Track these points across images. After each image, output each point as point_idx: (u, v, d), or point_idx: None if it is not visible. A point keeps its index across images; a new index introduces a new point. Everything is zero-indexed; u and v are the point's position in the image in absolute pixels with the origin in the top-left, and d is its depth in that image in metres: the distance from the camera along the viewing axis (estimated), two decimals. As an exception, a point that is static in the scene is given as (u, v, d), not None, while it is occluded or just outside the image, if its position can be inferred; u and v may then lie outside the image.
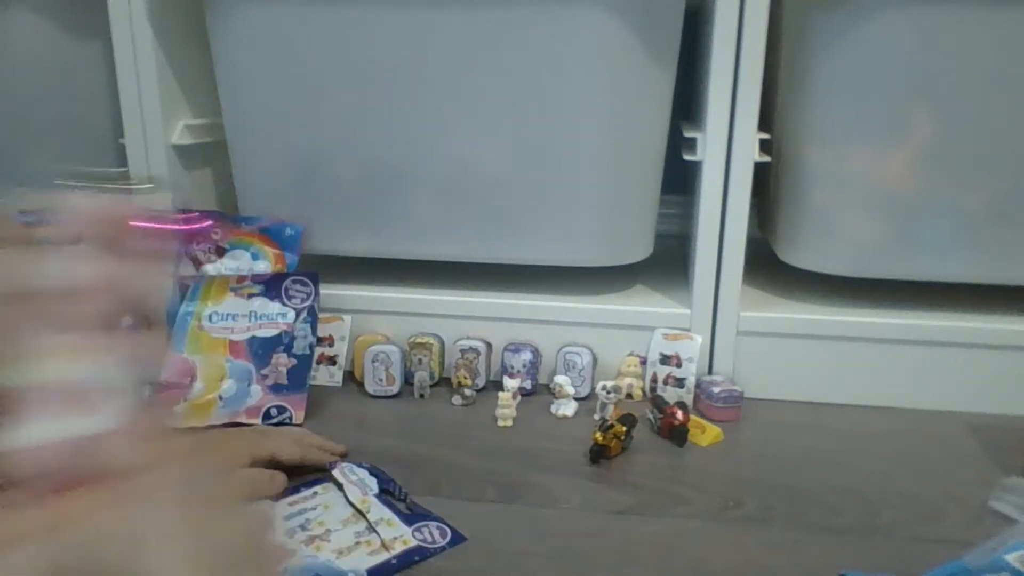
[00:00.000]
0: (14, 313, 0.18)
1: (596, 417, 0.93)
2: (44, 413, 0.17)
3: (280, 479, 0.76)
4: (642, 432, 0.91)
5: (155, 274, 0.18)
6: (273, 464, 0.78)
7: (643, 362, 1.02)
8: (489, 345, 1.03)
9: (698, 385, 0.99)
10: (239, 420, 0.91)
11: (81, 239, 0.18)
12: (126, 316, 0.18)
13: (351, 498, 0.76)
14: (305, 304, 0.98)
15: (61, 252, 0.17)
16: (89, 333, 0.17)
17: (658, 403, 0.92)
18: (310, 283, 0.99)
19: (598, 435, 0.85)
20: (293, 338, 0.97)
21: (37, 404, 0.17)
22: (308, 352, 0.97)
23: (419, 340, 1.02)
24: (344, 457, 0.84)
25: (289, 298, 0.98)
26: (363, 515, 0.73)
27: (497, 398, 0.95)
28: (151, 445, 0.18)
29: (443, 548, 0.69)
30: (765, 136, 0.95)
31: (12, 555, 0.16)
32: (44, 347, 0.17)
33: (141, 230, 0.18)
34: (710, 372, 1.02)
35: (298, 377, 0.95)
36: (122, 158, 1.10)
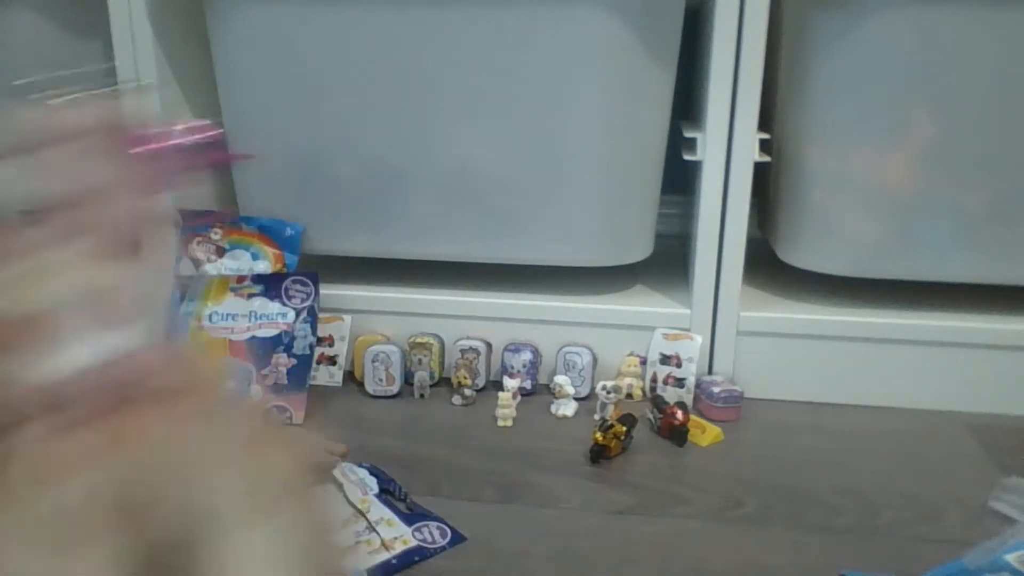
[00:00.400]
0: (26, 229, 0.17)
1: (596, 417, 0.93)
2: (80, 332, 0.16)
3: (343, 448, 0.78)
4: (642, 432, 0.91)
5: (159, 181, 0.18)
6: None
7: (643, 362, 1.02)
8: (489, 345, 1.03)
9: (698, 385, 0.99)
10: (239, 420, 0.91)
11: (80, 148, 0.17)
12: (135, 223, 0.17)
13: (351, 498, 0.76)
14: (305, 304, 0.98)
15: (60, 162, 0.17)
16: (105, 240, 0.17)
17: (658, 403, 0.92)
18: (310, 283, 0.99)
19: (598, 435, 0.85)
20: (293, 338, 0.97)
21: (71, 323, 0.16)
22: (308, 352, 0.97)
23: (419, 340, 1.02)
24: (345, 457, 0.84)
25: (289, 298, 0.98)
26: (363, 515, 0.73)
27: (497, 398, 0.95)
28: (195, 365, 0.18)
29: (443, 548, 0.69)
30: (765, 136, 0.95)
31: (68, 481, 0.16)
32: (64, 260, 0.17)
33: (142, 136, 0.18)
34: (710, 372, 1.02)
35: (298, 377, 0.95)
36: (122, 158, 1.10)
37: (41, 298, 0.16)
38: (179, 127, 0.18)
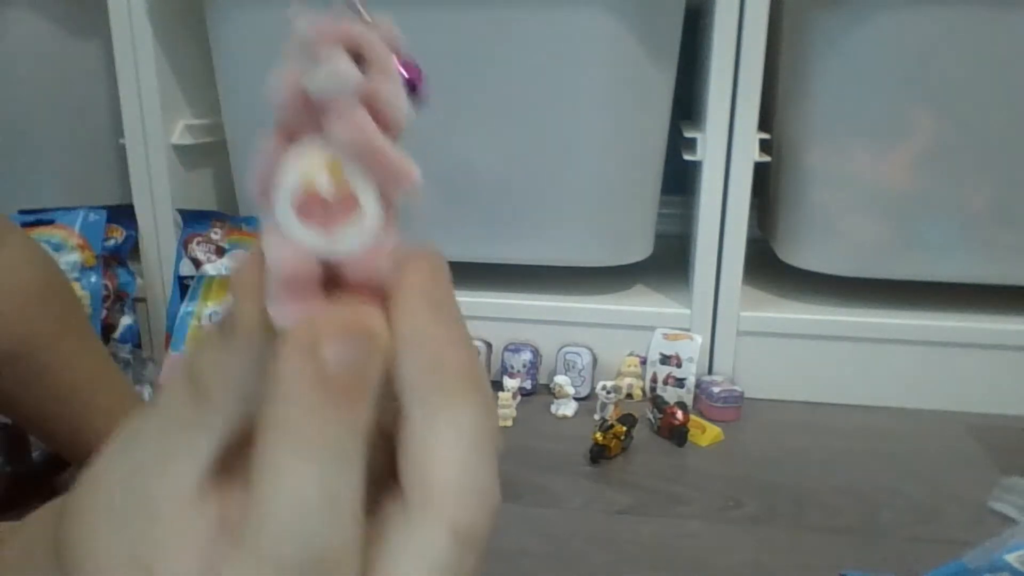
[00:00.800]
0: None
1: (596, 417, 0.93)
2: (370, 214, 0.18)
3: None
4: (642, 432, 0.91)
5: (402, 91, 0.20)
6: None
7: (643, 362, 1.02)
8: (489, 345, 1.03)
9: (698, 385, 0.99)
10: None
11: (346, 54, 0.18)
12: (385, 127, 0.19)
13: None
14: (305, 304, 0.98)
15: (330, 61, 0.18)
16: (378, 146, 0.18)
17: (658, 403, 0.92)
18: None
19: (598, 435, 0.85)
20: (293, 338, 0.96)
21: (365, 201, 0.18)
22: (308, 352, 0.97)
23: (419, 340, 1.02)
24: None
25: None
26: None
27: (497, 398, 0.95)
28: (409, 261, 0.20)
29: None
30: (765, 136, 0.95)
31: (353, 334, 0.18)
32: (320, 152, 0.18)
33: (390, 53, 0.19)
34: (710, 372, 1.02)
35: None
36: (122, 158, 1.10)
37: (356, 184, 0.18)
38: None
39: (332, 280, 0.19)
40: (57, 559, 0.21)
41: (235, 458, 0.20)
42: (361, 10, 0.20)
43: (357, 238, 0.18)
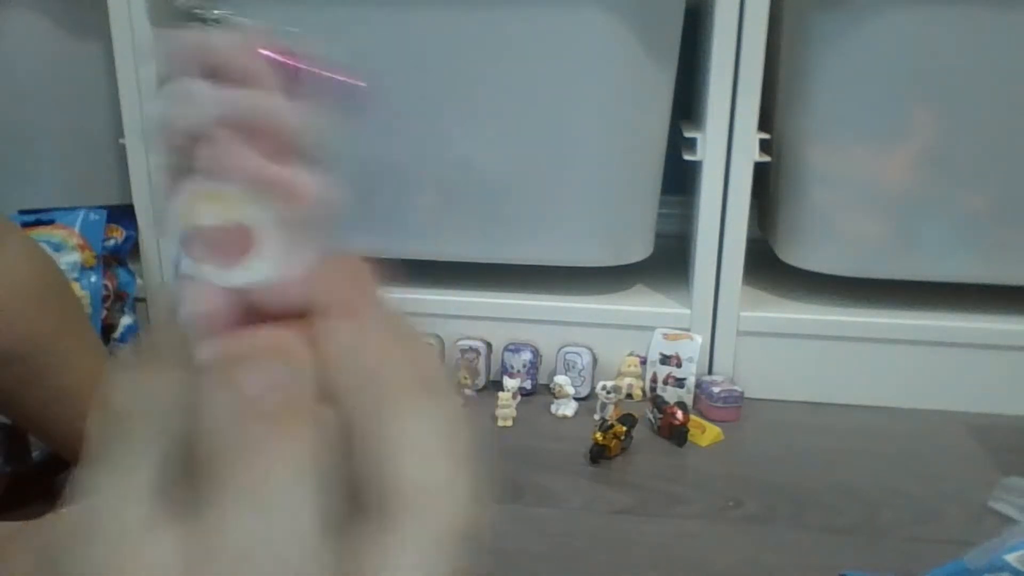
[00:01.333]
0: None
1: (596, 417, 0.93)
2: (272, 247, 0.18)
3: None
4: (642, 432, 0.91)
5: (306, 106, 0.19)
6: None
7: (643, 362, 1.02)
8: (489, 345, 1.03)
9: (698, 385, 0.99)
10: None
11: (224, 76, 0.17)
12: (288, 152, 0.18)
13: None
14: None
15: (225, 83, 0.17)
16: (258, 170, 0.18)
17: (658, 403, 0.92)
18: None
19: (598, 435, 0.85)
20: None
21: (266, 238, 0.18)
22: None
23: (419, 340, 1.02)
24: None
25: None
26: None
27: (497, 398, 0.95)
28: (356, 278, 0.20)
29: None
30: (765, 136, 0.95)
31: (273, 360, 0.18)
32: (257, 179, 0.17)
33: (280, 63, 0.19)
34: (710, 372, 1.02)
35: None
36: (122, 158, 1.10)
37: (245, 214, 0.17)
38: (324, 65, 0.19)
39: (256, 312, 0.18)
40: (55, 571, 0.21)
41: (187, 481, 0.20)
42: (224, 18, 0.19)
43: (260, 268, 0.18)
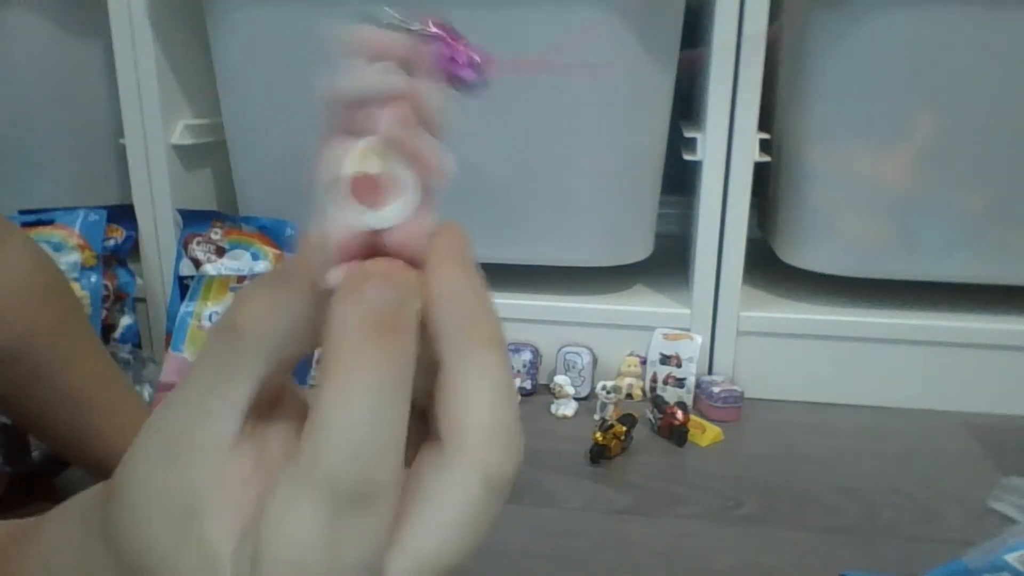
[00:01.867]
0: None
1: (596, 417, 0.93)
2: (399, 196, 0.22)
3: None
4: (642, 432, 0.91)
5: (442, 88, 0.23)
6: None
7: (643, 362, 1.02)
8: (489, 345, 1.03)
9: (698, 385, 0.99)
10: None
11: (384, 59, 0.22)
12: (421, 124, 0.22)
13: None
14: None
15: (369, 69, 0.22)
16: (409, 137, 0.22)
17: (658, 403, 0.92)
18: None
19: (598, 435, 0.85)
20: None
21: (396, 188, 0.22)
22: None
23: (419, 340, 1.02)
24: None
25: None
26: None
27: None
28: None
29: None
30: (765, 136, 0.95)
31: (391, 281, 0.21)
32: (358, 146, 0.22)
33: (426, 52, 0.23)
34: (710, 372, 1.02)
35: (299, 377, 0.95)
36: (122, 158, 1.10)
37: (392, 169, 0.22)
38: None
39: (381, 253, 0.22)
40: (101, 534, 0.22)
41: (271, 408, 0.22)
42: (408, 26, 0.23)
43: (399, 213, 0.22)
